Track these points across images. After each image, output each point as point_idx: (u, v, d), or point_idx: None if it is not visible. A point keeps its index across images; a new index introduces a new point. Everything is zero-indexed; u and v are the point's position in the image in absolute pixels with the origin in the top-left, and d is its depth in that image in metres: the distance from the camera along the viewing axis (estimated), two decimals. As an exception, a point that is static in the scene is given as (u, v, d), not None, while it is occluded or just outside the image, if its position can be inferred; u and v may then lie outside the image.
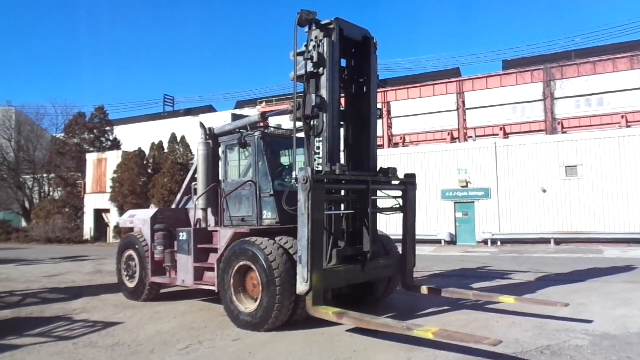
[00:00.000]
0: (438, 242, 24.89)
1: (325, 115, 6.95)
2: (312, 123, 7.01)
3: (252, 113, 35.01)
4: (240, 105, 50.00)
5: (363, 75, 7.84)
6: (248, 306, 7.18)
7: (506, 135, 33.29)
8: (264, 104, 44.55)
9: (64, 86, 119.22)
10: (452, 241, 25.32)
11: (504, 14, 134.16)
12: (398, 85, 38.27)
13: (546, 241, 23.08)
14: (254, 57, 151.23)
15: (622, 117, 30.79)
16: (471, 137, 32.51)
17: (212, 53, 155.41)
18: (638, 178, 22.01)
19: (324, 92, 6.98)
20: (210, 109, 53.14)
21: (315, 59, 6.91)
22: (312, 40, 7.05)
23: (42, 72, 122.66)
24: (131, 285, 9.97)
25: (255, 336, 6.68)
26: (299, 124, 7.08)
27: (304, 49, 7.08)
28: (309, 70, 6.97)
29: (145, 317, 8.23)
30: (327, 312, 6.29)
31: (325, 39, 6.98)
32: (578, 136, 24.92)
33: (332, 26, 7.04)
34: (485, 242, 24.34)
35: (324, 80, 6.99)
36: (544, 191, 23.70)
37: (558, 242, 22.93)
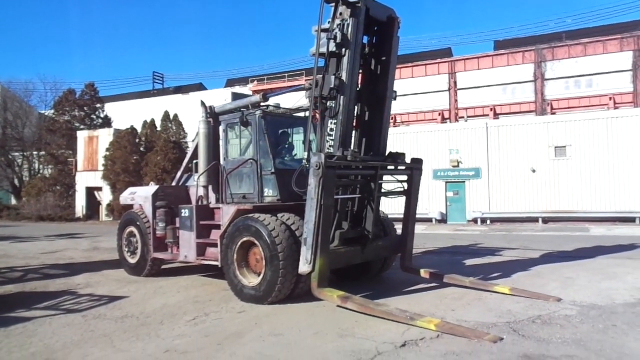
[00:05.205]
0: (429, 220, 25.31)
1: (342, 97, 6.91)
2: (327, 104, 7.00)
3: (243, 91, 34.99)
4: (230, 83, 49.69)
5: (383, 54, 7.70)
6: (251, 280, 7.42)
7: (496, 115, 33.62)
8: (255, 82, 44.35)
9: (53, 62, 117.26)
10: (443, 220, 25.78)
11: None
12: (390, 64, 38.16)
13: (534, 220, 23.61)
14: (245, 35, 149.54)
15: (610, 98, 31.27)
16: (462, 117, 32.78)
17: (202, 30, 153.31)
18: (625, 158, 22.51)
19: (343, 74, 6.90)
20: (200, 87, 52.74)
21: (338, 39, 6.81)
22: (337, 18, 6.92)
23: (30, 48, 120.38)
24: (132, 260, 10.17)
25: (259, 308, 6.93)
26: (307, 102, 7.09)
27: (327, 25, 6.94)
28: (330, 49, 6.88)
29: (149, 291, 8.45)
30: (332, 296, 6.50)
31: (351, 19, 6.85)
32: (567, 117, 25.33)
33: (359, 4, 6.91)
34: (475, 220, 24.82)
35: (345, 61, 6.91)
36: (533, 171, 24.13)
37: (546, 220, 23.46)
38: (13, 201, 42.61)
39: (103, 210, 34.26)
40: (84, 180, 35.59)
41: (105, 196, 33.96)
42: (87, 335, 5.88)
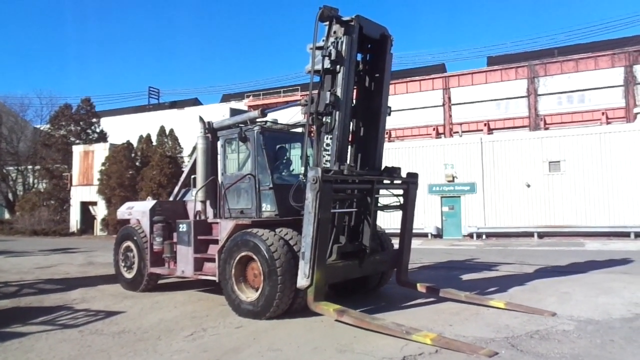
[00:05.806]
0: (424, 235, 25.32)
1: (337, 113, 7.05)
2: (323, 119, 7.11)
3: (239, 106, 35.08)
4: (226, 98, 49.84)
5: (377, 71, 7.87)
6: (249, 295, 7.42)
7: (490, 130, 33.85)
8: (250, 97, 44.54)
9: (49, 77, 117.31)
10: (439, 235, 25.80)
11: (488, 10, 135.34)
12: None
13: (530, 234, 23.67)
14: (241, 50, 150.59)
15: (603, 113, 31.59)
16: (457, 132, 33.00)
17: (198, 45, 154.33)
18: (618, 173, 22.68)
19: (338, 91, 7.05)
20: (195, 102, 52.88)
21: (333, 56, 6.98)
22: (331, 36, 7.09)
23: (27, 63, 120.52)
24: (129, 275, 10.13)
25: (257, 324, 6.91)
26: (303, 117, 7.19)
27: (322, 43, 7.10)
28: (325, 66, 7.04)
29: (146, 307, 8.41)
30: (329, 309, 6.53)
31: (345, 37, 7.03)
32: (561, 132, 25.57)
33: (352, 23, 7.08)
34: (470, 235, 24.85)
35: (339, 78, 7.07)
36: (528, 186, 24.27)
37: (541, 235, 23.52)
38: (7, 215, 42.33)
39: (98, 225, 34.06)
40: (78, 194, 35.43)
41: (100, 211, 33.82)
42: (84, 351, 5.86)
